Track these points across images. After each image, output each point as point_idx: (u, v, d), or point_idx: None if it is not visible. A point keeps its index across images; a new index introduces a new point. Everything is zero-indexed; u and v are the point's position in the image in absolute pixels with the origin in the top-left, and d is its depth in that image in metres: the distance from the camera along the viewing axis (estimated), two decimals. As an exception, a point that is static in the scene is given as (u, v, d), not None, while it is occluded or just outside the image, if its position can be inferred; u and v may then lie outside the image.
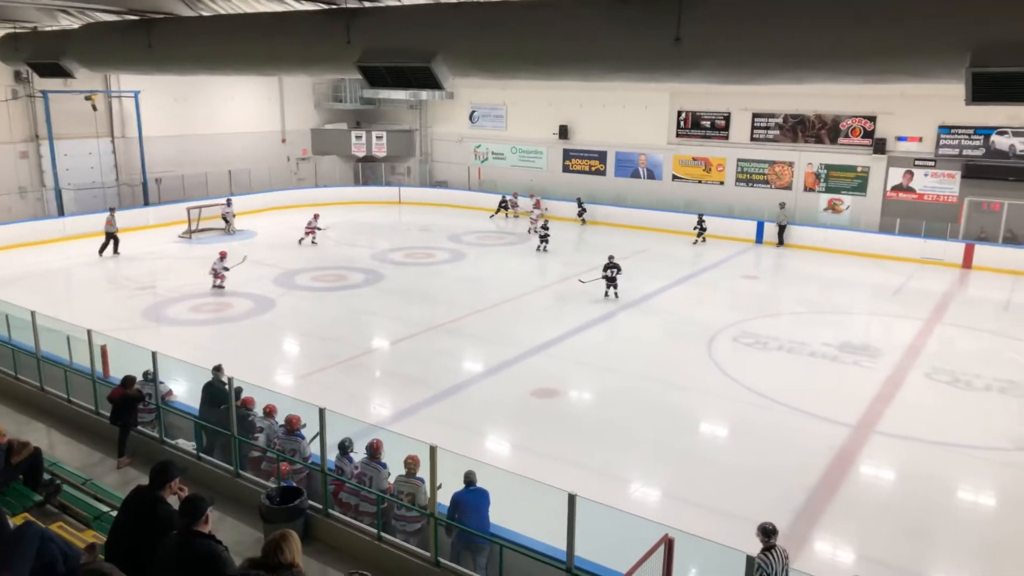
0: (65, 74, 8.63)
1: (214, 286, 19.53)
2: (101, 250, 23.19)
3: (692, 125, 29.46)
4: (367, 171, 35.90)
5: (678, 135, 29.77)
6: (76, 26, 8.65)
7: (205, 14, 7.58)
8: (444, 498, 7.74)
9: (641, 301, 19.29)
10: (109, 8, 7.80)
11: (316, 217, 25.47)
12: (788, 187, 27.67)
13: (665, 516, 8.55)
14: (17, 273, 20.66)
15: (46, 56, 8.67)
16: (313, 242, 24.96)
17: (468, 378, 14.43)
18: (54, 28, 9.06)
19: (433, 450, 7.20)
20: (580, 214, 29.72)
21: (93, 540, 5.42)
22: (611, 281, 19.25)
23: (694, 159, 29.54)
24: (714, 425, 12.80)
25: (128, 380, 10.06)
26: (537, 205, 29.21)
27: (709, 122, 29.03)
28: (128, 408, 10.00)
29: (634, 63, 5.03)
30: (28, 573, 3.32)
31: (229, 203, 27.07)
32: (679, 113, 29.54)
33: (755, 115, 27.94)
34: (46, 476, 7.01)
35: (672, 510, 9.77)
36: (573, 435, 11.86)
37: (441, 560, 7.55)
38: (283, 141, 34.17)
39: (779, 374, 14.50)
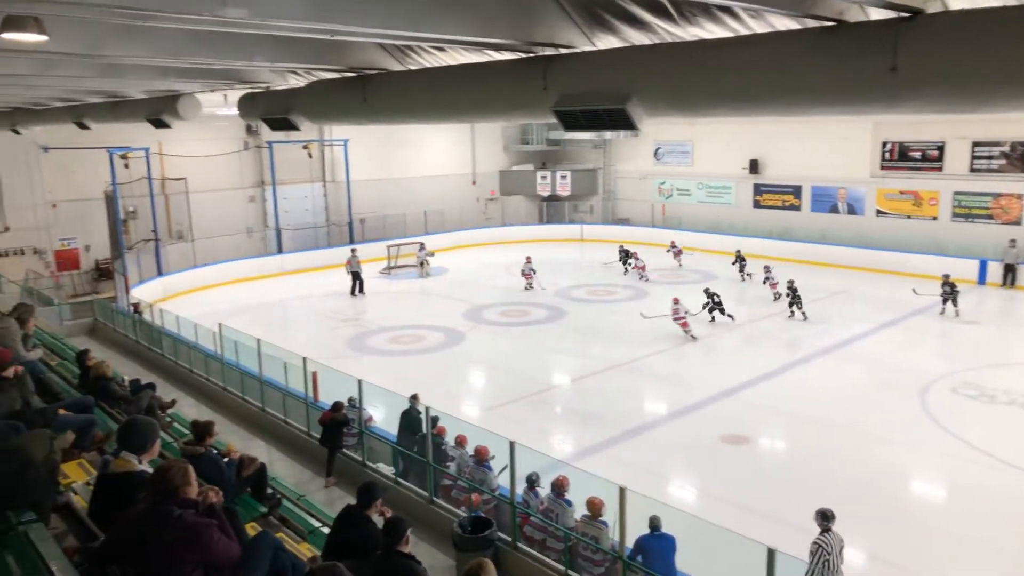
0: (292, 127, 9.66)
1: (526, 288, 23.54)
2: (352, 291, 24.34)
3: (899, 156, 27.24)
4: (551, 210, 36.72)
5: (883, 167, 27.64)
6: (302, 84, 9.67)
7: (413, 67, 8.17)
8: (628, 540, 7.58)
9: (841, 346, 17.95)
10: (331, 68, 8.65)
11: (528, 260, 25.12)
12: (1017, 222, 24.70)
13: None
14: (243, 304, 23.19)
15: (277, 112, 9.77)
16: (528, 287, 24.35)
17: (652, 419, 14.12)
18: (284, 87, 10.21)
19: (623, 492, 7.10)
20: (740, 268, 26.02)
21: (310, 553, 5.87)
22: (716, 307, 19.59)
23: (901, 192, 27.27)
24: (933, 486, 11.53)
25: (337, 405, 10.92)
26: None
27: (919, 152, 26.70)
28: (336, 431, 10.84)
29: (843, 95, 4.77)
30: (262, 577, 3.65)
31: (422, 247, 28.21)
32: (884, 144, 27.46)
33: (975, 143, 25.31)
34: (268, 490, 7.70)
35: (873, 572, 8.88)
36: (766, 485, 11.19)
37: (627, 604, 7.38)
38: (473, 183, 35.88)
39: (1013, 432, 12.82)
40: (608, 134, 33.65)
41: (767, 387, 15.36)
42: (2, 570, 2.97)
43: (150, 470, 4.20)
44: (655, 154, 34.49)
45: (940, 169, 26.20)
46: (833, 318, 19.91)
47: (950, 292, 19.83)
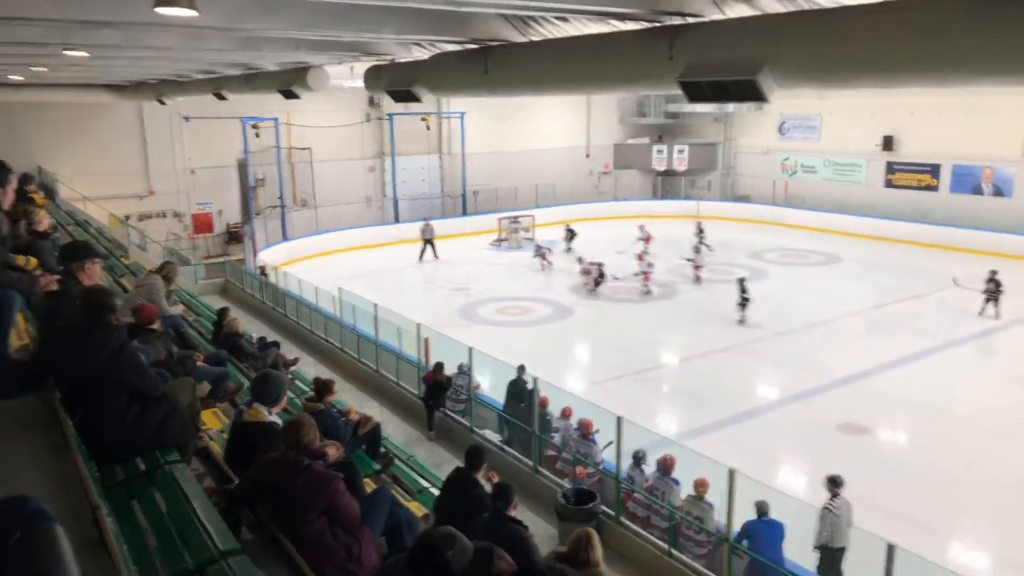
0: (414, 99, 9.86)
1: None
2: (420, 256, 25.45)
3: (1056, 133, 24.88)
4: (667, 185, 35.88)
5: (1036, 145, 25.33)
6: (426, 56, 9.83)
7: (535, 39, 8.13)
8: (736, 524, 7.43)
9: (975, 338, 16.74)
10: (454, 40, 8.73)
11: (641, 228, 24.73)
12: None
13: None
14: (362, 270, 24.08)
15: (401, 84, 9.99)
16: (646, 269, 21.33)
17: (764, 403, 13.68)
18: (408, 60, 10.41)
19: (732, 473, 6.95)
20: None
21: (420, 511, 6.10)
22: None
23: (1056, 173, 24.94)
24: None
25: (438, 366, 11.31)
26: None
27: (1080, 129, 24.29)
28: (438, 391, 11.25)
29: (1003, 66, 4.36)
30: (381, 532, 3.83)
31: (516, 220, 28.29)
32: (1039, 119, 25.13)
33: None
34: (382, 449, 8.03)
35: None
36: (884, 478, 10.61)
37: (732, 588, 7.26)
38: (587, 156, 35.53)
39: None
40: (731, 107, 32.41)
41: (892, 376, 14.54)
42: (150, 504, 3.24)
43: (279, 421, 4.47)
44: (779, 128, 32.98)
45: (1105, 148, 23.77)
46: (970, 307, 18.51)
47: (994, 290, 17.47)
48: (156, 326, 6.19)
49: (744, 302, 17.76)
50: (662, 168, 35.20)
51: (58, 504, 2.89)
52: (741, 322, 17.69)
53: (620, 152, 36.17)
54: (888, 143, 28.99)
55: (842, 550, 7.61)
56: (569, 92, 9.63)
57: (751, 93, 5.65)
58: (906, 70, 4.66)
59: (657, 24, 6.56)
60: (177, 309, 7.74)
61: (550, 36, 8.00)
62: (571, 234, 26.58)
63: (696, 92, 6.17)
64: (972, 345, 16.32)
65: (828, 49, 5.03)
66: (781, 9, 5.81)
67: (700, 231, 25.02)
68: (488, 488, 5.81)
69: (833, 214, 29.33)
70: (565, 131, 34.83)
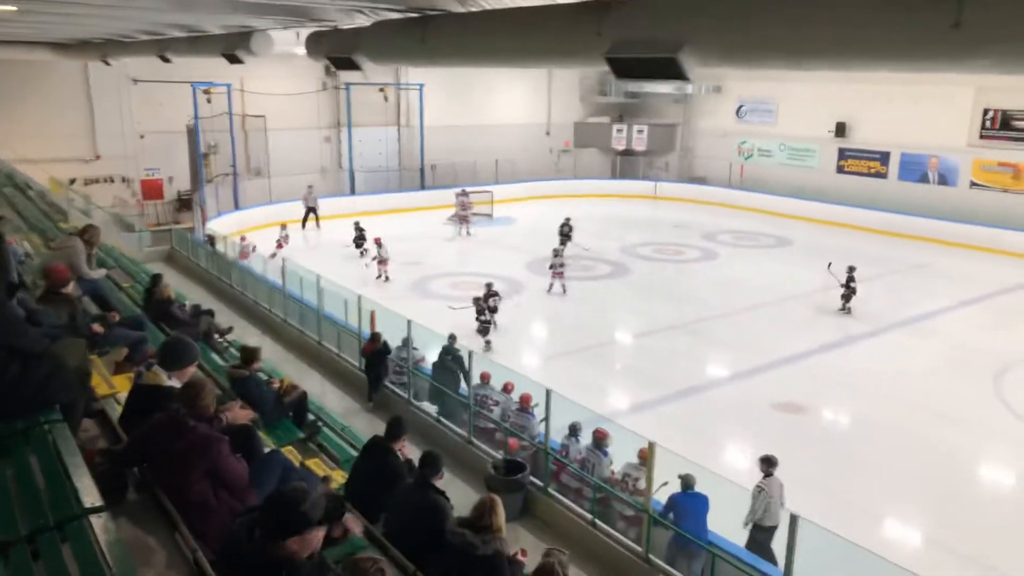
0: (355, 67, 9.71)
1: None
2: (303, 224, 25.03)
3: (1001, 125, 25.50)
4: (625, 165, 36.00)
5: (982, 136, 25.94)
6: (368, 24, 9.69)
7: (474, 10, 8.07)
8: (660, 496, 7.59)
9: (915, 321, 17.19)
10: (395, 7, 8.62)
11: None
12: None
13: (912, 562, 7.60)
14: (313, 241, 23.81)
15: (341, 51, 9.84)
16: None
17: (707, 381, 13.94)
18: (350, 27, 10.25)
19: (651, 446, 7.09)
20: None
21: (342, 479, 6.11)
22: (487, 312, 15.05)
23: (1000, 164, 25.61)
24: (996, 472, 11.06)
25: (375, 336, 11.32)
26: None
27: (1025, 122, 24.95)
28: (378, 361, 11.27)
29: (905, 52, 4.46)
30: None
31: (464, 193, 27.19)
32: (985, 111, 25.71)
33: (1088, 114, 23.48)
34: (310, 418, 8.01)
35: (927, 558, 8.62)
36: (816, 456, 10.90)
37: (652, 558, 7.42)
38: (547, 134, 35.46)
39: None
40: (689, 88, 32.62)
41: (831, 358, 14.91)
42: (23, 465, 3.19)
43: (178, 386, 4.42)
44: (737, 112, 33.28)
45: (1047, 141, 24.46)
46: (909, 292, 19.06)
47: (846, 287, 17.13)
48: (69, 290, 6.06)
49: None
50: (621, 148, 35.31)
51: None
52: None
53: (580, 130, 36.17)
54: (841, 129, 29.48)
55: (773, 529, 7.76)
56: (502, 64, 9.61)
57: (673, 71, 5.69)
58: (813, 54, 4.74)
59: (587, 0, 6.57)
60: (99, 273, 7.58)
61: (488, 8, 7.94)
62: (360, 236, 21.92)
63: (623, 69, 6.19)
64: (911, 328, 16.76)
65: (743, 31, 5.09)
66: (706, -12, 5.86)
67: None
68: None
69: (787, 198, 29.77)
70: (526, 107, 34.67)
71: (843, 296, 17.19)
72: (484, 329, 14.82)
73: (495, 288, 15.39)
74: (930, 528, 9.48)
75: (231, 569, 2.93)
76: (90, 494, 2.91)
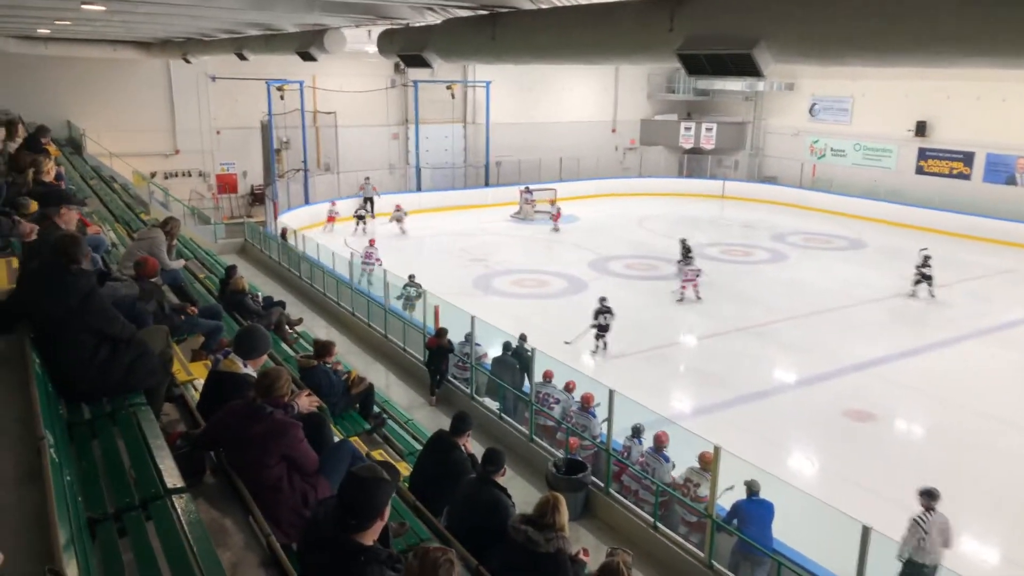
0: (425, 64, 9.81)
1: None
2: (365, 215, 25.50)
3: (1097, 123, 24.10)
4: (692, 163, 35.43)
5: (1075, 135, 24.58)
6: (438, 21, 9.78)
7: (543, 7, 8.06)
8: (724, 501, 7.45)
9: (999, 329, 16.41)
10: (465, 5, 8.68)
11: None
12: None
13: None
14: (381, 237, 24.16)
15: (412, 48, 9.96)
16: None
17: (774, 386, 13.61)
18: (421, 24, 10.37)
19: (717, 450, 6.96)
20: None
21: (406, 472, 6.21)
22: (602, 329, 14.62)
23: (1094, 165, 24.20)
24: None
25: (441, 331, 11.41)
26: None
27: (1123, 120, 23.49)
28: (441, 356, 11.36)
29: (995, 47, 4.24)
30: (339, 482, 3.92)
31: (529, 191, 28.18)
32: (1080, 109, 24.35)
33: None
34: (376, 410, 8.16)
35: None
36: (887, 465, 10.55)
37: (715, 564, 7.30)
38: (613, 131, 35.18)
39: None
40: (761, 85, 31.87)
41: (905, 364, 14.36)
42: (110, 446, 3.35)
43: (254, 375, 4.56)
44: (810, 110, 32.33)
45: None
46: (993, 298, 18.19)
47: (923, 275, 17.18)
48: (155, 279, 6.32)
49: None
50: (689, 146, 34.75)
51: (12, 436, 3.00)
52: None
53: (647, 128, 35.75)
54: (921, 128, 28.31)
55: (927, 568, 7.15)
56: (571, 61, 9.54)
57: (747, 67, 5.56)
58: (898, 49, 4.55)
59: (660, -6, 6.47)
60: (178, 264, 7.87)
61: (558, 4, 7.93)
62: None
63: (694, 65, 6.07)
64: (993, 336, 16.01)
65: (822, 25, 4.93)
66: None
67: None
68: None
69: (860, 199, 28.81)
70: (592, 105, 34.47)
71: (915, 281, 16.67)
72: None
73: (607, 303, 14.63)
74: (1009, 545, 9.03)
75: (311, 555, 3.02)
76: (172, 475, 3.04)
